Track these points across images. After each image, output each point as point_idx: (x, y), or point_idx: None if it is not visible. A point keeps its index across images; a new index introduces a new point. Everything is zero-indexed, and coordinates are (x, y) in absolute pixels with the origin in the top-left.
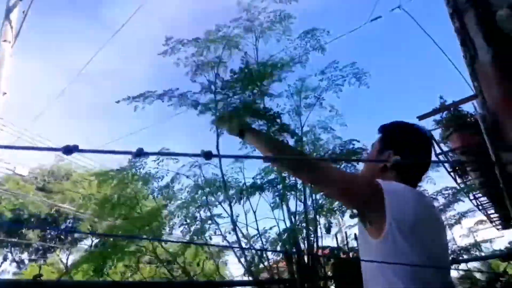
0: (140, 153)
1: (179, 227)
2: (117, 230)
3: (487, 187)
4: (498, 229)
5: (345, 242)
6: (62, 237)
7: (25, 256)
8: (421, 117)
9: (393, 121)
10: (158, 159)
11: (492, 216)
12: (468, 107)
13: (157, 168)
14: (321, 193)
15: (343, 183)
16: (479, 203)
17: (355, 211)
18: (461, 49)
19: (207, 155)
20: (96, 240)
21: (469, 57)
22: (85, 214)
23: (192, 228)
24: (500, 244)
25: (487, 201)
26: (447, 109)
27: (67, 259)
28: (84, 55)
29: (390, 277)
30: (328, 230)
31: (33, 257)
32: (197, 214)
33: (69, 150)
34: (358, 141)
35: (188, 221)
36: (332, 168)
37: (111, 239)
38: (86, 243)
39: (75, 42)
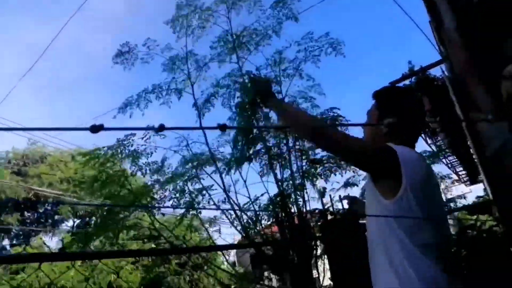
0: (162, 128)
1: (169, 200)
2: (106, 208)
3: (455, 145)
4: (466, 185)
5: (331, 205)
6: (42, 220)
7: (6, 242)
8: (392, 83)
9: (384, 86)
10: (145, 136)
11: (460, 173)
12: (436, 72)
13: (145, 145)
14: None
15: (362, 151)
16: (449, 162)
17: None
18: (428, 15)
19: (222, 128)
20: (77, 221)
21: (436, 23)
22: (66, 196)
23: (182, 201)
24: (469, 200)
25: (456, 159)
26: (415, 74)
27: (55, 241)
28: (41, 31)
29: (399, 233)
30: (322, 194)
31: (14, 242)
32: (186, 188)
33: (96, 128)
34: (339, 109)
35: (178, 195)
36: (348, 136)
37: (96, 220)
38: (68, 224)
39: (29, 18)
